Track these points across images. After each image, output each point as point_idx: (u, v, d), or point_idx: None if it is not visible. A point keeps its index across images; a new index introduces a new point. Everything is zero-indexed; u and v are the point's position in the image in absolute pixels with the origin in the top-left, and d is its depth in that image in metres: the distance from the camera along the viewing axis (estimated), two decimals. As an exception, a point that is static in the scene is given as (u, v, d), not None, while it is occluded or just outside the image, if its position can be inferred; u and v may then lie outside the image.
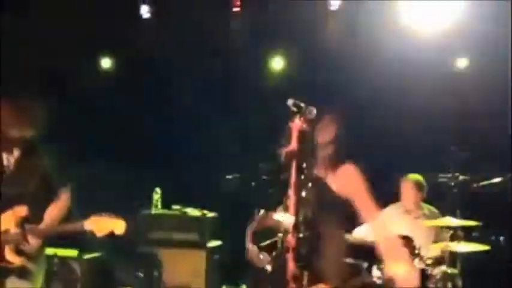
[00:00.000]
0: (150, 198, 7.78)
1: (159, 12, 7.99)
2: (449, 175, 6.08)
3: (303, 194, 3.72)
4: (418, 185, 6.36)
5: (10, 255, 4.19)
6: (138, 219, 7.52)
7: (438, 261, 5.75)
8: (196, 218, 7.62)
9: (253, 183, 7.00)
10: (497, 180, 6.08)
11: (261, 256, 4.59)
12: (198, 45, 7.97)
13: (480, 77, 7.51)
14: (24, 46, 7.22)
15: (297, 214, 3.69)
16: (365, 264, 5.44)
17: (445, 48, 7.47)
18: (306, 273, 3.73)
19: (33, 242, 4.20)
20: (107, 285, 7.18)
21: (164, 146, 8.11)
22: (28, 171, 4.29)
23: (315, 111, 3.65)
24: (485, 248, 5.57)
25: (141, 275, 7.35)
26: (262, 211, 4.98)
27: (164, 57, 8.06)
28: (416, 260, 5.65)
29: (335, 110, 4.15)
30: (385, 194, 6.44)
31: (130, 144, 7.99)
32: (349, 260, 4.81)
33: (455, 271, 5.70)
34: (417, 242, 5.74)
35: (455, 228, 5.64)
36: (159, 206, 7.79)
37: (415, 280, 4.19)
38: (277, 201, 4.55)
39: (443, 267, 5.61)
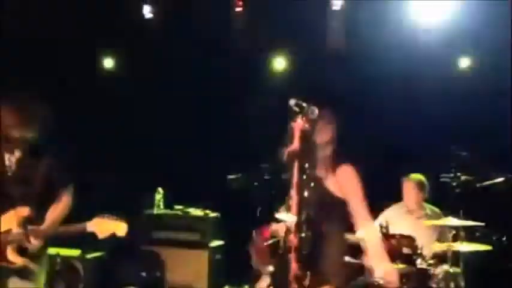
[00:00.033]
0: (153, 198, 7.79)
1: (160, 12, 8.00)
2: (452, 175, 6.08)
3: (305, 193, 3.72)
4: (420, 185, 6.35)
5: (12, 256, 4.19)
6: (141, 219, 7.53)
7: (440, 259, 5.75)
8: (198, 218, 7.63)
9: (255, 183, 7.00)
10: (499, 180, 6.08)
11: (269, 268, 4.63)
12: (199, 45, 7.97)
13: (482, 76, 7.52)
14: (26, 46, 7.24)
15: (299, 214, 3.69)
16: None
17: (447, 48, 7.47)
18: (308, 274, 3.72)
19: (35, 242, 4.20)
20: (109, 284, 7.18)
21: (166, 145, 8.11)
22: (30, 172, 4.29)
23: (317, 111, 3.65)
24: (488, 248, 5.57)
25: (144, 274, 7.36)
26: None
27: (165, 57, 8.07)
28: (419, 260, 5.66)
29: (333, 111, 4.15)
30: (387, 194, 6.46)
31: (132, 144, 8.00)
32: (351, 260, 4.80)
33: (458, 270, 5.69)
34: (419, 242, 5.74)
35: (457, 228, 5.64)
36: (162, 206, 7.80)
37: (395, 281, 4.23)
38: (279, 201, 4.56)
39: (446, 266, 5.61)
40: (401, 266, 5.53)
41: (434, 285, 5.60)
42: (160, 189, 7.82)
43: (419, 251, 5.70)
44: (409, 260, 5.61)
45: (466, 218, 5.58)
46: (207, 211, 7.67)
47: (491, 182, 6.07)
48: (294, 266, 3.61)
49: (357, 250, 4.73)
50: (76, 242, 6.62)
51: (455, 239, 5.65)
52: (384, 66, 7.33)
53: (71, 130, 7.06)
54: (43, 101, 4.26)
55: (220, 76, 8.06)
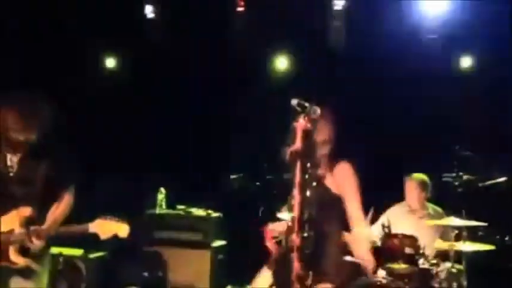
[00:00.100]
0: (155, 198, 7.79)
1: (162, 12, 8.00)
2: (454, 174, 6.07)
3: (308, 193, 3.71)
4: (423, 185, 6.34)
5: (14, 256, 4.19)
6: (143, 219, 7.53)
7: (442, 257, 5.74)
8: (200, 218, 7.62)
9: (257, 183, 7.01)
10: (502, 179, 6.07)
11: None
12: (200, 45, 7.97)
13: (483, 75, 7.52)
14: (26, 46, 7.25)
15: (301, 214, 3.68)
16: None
17: (449, 48, 7.46)
18: (310, 273, 3.72)
19: (37, 242, 4.20)
20: (111, 284, 7.18)
21: (169, 146, 8.11)
22: (32, 172, 4.29)
23: (319, 110, 3.64)
24: (490, 247, 5.56)
25: (146, 274, 7.36)
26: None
27: (167, 58, 8.07)
28: (421, 260, 5.65)
29: (331, 109, 4.16)
30: (390, 194, 6.46)
31: (135, 144, 8.00)
32: (353, 260, 4.80)
33: (461, 268, 5.69)
34: (422, 242, 5.73)
35: (460, 228, 5.63)
36: (164, 206, 7.80)
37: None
38: (281, 201, 4.56)
39: (448, 264, 5.60)
40: (403, 265, 5.52)
41: (436, 285, 5.59)
42: (162, 189, 7.82)
43: (421, 251, 5.69)
44: (411, 259, 5.61)
45: (469, 218, 5.57)
46: (209, 211, 7.66)
47: (493, 181, 6.07)
48: (296, 266, 3.60)
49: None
50: (78, 242, 6.62)
51: (457, 238, 5.65)
52: (385, 66, 7.33)
53: (73, 130, 7.06)
54: (44, 101, 4.26)
55: (221, 76, 8.06)
